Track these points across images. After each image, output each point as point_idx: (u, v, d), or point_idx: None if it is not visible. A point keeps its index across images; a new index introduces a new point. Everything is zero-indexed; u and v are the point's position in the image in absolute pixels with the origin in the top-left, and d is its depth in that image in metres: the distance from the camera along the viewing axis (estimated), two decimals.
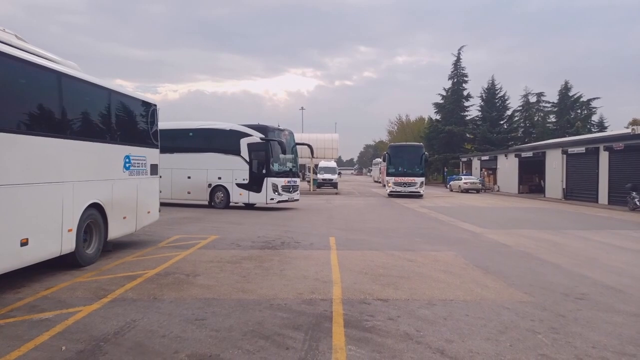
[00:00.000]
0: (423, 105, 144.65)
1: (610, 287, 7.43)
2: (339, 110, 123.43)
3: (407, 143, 33.33)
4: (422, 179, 31.95)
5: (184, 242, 10.92)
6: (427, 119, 71.42)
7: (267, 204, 19.75)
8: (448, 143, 61.54)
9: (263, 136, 19.45)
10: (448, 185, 46.53)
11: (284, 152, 19.99)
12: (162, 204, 20.01)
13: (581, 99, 60.05)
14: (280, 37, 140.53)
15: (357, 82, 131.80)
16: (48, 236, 7.09)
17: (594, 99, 59.69)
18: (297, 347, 4.61)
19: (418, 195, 31.53)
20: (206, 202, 20.39)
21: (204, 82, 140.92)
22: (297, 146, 22.67)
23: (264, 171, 19.39)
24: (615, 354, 4.61)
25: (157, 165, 10.94)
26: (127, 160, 9.53)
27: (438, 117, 65.47)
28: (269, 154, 19.39)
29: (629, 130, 28.14)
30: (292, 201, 21.21)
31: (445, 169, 62.41)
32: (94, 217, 8.43)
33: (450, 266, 8.81)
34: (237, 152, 19.69)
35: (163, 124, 21.26)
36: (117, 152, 9.27)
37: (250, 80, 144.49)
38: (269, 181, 19.37)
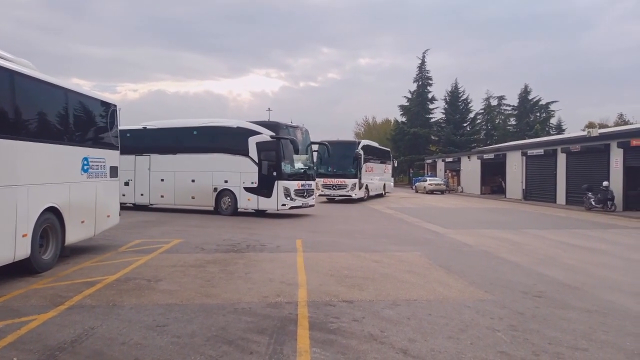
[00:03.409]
0: (388, 107, 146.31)
1: (566, 285, 7.70)
2: (305, 111, 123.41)
3: (340, 140, 28.47)
4: (355, 180, 27.70)
5: (145, 246, 10.67)
6: (393, 121, 72.39)
7: (278, 210, 17.79)
8: (414, 145, 62.55)
9: (273, 134, 17.48)
10: (413, 187, 47.27)
11: (297, 152, 18.11)
12: (166, 210, 19.68)
13: (540, 102, 62.27)
14: (244, 37, 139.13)
15: (322, 83, 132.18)
16: (0, 242, 6.78)
17: (552, 102, 62.18)
18: (261, 351, 4.56)
19: (353, 200, 27.99)
20: (212, 208, 18.67)
21: (166, 81, 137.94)
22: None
23: (274, 173, 17.33)
24: (569, 349, 4.78)
25: (117, 167, 10.64)
26: (85, 162, 9.23)
27: (404, 119, 66.46)
28: (280, 154, 17.38)
29: (585, 133, 29.32)
30: (307, 207, 19.26)
31: (411, 171, 63.39)
32: (51, 222, 8.12)
33: (415, 266, 8.94)
34: (245, 153, 17.72)
35: (165, 122, 20.66)
36: (74, 154, 8.96)
37: (214, 80, 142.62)
38: (280, 185, 17.34)
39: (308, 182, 19.10)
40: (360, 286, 7.25)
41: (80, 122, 9.42)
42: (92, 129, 9.90)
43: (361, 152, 28.30)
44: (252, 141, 17.65)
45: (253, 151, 17.64)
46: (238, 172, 17.90)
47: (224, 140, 18.39)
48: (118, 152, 10.82)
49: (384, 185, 35.44)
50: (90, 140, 9.66)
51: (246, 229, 14.18)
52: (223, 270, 8.21)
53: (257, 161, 17.60)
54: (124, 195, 19.83)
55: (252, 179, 17.66)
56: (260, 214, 18.50)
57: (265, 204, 17.72)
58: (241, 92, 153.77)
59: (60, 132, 8.68)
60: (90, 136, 9.73)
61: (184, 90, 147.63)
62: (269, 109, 74.36)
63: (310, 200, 19.26)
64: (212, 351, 4.53)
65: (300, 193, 18.40)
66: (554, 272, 8.73)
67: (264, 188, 17.52)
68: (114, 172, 10.49)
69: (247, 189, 17.80)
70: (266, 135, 17.54)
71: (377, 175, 32.99)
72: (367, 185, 29.80)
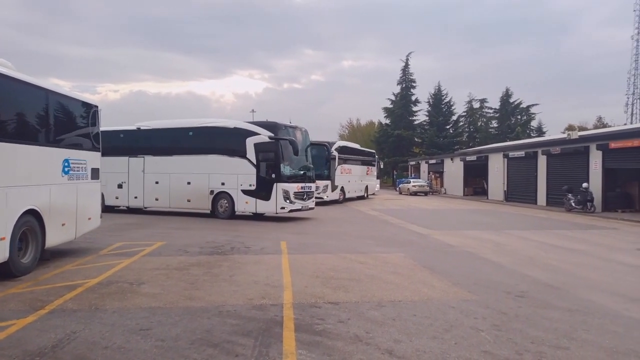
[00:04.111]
0: (372, 109, 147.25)
1: (547, 285, 7.83)
2: (289, 112, 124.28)
3: (312, 141, 27.52)
4: (327, 182, 26.51)
5: (127, 249, 10.52)
6: (377, 123, 72.74)
7: (277, 213, 17.22)
8: (397, 147, 62.95)
9: (272, 135, 16.87)
10: (397, 188, 47.53)
11: (296, 153, 17.33)
12: (160, 213, 19.28)
13: (521, 105, 63.18)
14: (226, 39, 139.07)
15: (306, 84, 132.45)
16: None
17: (533, 105, 63.09)
18: (247, 353, 4.54)
19: (336, 202, 27.67)
20: (208, 211, 18.04)
21: (147, 82, 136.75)
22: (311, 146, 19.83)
23: (273, 175, 16.77)
24: (552, 348, 4.85)
25: (98, 169, 10.48)
26: (66, 164, 9.08)
27: (388, 121, 66.80)
28: (279, 155, 16.77)
29: (564, 136, 29.85)
30: (307, 210, 18.65)
31: (395, 172, 63.75)
32: (30, 224, 7.96)
33: (399, 267, 8.99)
34: (242, 154, 17.17)
35: (160, 122, 20.18)
36: (55, 155, 8.80)
37: (196, 81, 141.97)
38: (279, 187, 16.73)
39: (308, 184, 18.53)
40: (345, 288, 7.26)
41: (61, 123, 9.26)
42: (73, 130, 9.73)
43: (335, 153, 27.68)
44: (250, 142, 17.13)
45: (251, 152, 17.12)
46: (235, 174, 17.37)
47: (221, 141, 17.88)
48: (99, 153, 10.67)
49: (366, 187, 34.82)
50: (71, 142, 9.50)
51: (230, 231, 14.09)
52: (207, 273, 8.14)
53: (255, 163, 17.08)
54: (117, 198, 19.55)
55: (250, 181, 17.14)
56: (258, 217, 18.10)
57: (263, 207, 17.16)
58: (224, 93, 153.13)
59: (41, 133, 8.53)
60: (71, 137, 9.56)
61: (166, 91, 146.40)
62: (252, 111, 73.89)
63: (310, 203, 18.69)
64: (197, 354, 4.49)
65: (300, 196, 17.82)
66: (535, 272, 8.87)
67: (262, 190, 16.99)
68: (95, 174, 10.33)
69: (245, 192, 17.27)
70: (264, 136, 16.99)
71: (356, 177, 32.30)
72: (342, 187, 29.29)
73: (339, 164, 28.36)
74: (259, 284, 7.42)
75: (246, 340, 4.88)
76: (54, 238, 8.68)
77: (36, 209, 8.05)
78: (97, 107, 10.60)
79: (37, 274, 7.91)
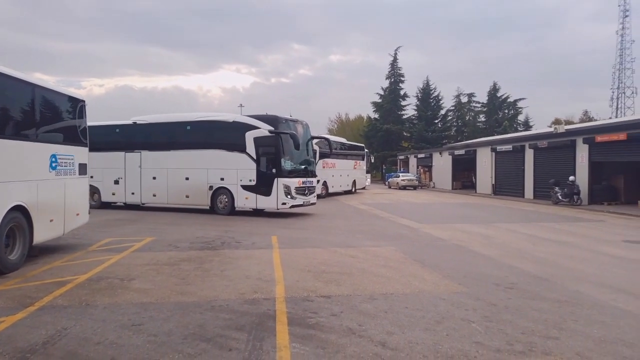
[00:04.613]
0: (361, 104, 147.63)
1: (536, 277, 7.92)
2: (277, 107, 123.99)
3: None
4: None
5: (117, 245, 10.44)
6: (366, 118, 72.82)
7: (278, 209, 16.79)
8: (386, 141, 63.14)
9: (272, 128, 16.44)
10: (386, 183, 47.69)
11: (297, 147, 16.77)
12: (157, 209, 19.05)
13: (508, 100, 63.69)
14: (213, 33, 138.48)
15: (294, 79, 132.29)
16: None
17: (520, 99, 63.65)
18: (241, 347, 4.54)
19: (322, 197, 26.95)
20: (207, 207, 17.74)
21: (132, 76, 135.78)
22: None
23: (273, 170, 16.39)
24: (542, 338, 4.92)
25: (86, 164, 10.37)
26: (53, 159, 8.96)
27: (376, 115, 66.95)
28: (279, 149, 16.35)
29: (551, 130, 30.15)
30: (308, 205, 18.39)
31: (384, 167, 63.94)
32: (18, 221, 7.86)
33: (390, 261, 9.04)
34: (242, 149, 16.78)
35: (157, 116, 19.70)
36: (42, 151, 8.69)
37: (182, 75, 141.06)
38: (280, 182, 16.34)
39: (309, 179, 18.09)
40: (337, 281, 7.28)
41: (48, 118, 9.15)
42: (60, 125, 9.61)
43: (316, 147, 26.48)
44: (250, 136, 16.74)
45: (251, 147, 16.74)
46: (235, 169, 17.00)
47: (220, 135, 17.52)
48: (87, 148, 10.56)
49: (354, 181, 34.38)
50: (59, 137, 9.39)
51: (220, 226, 14.04)
52: (198, 268, 8.11)
53: (255, 157, 16.70)
54: (113, 194, 19.29)
55: (250, 177, 16.75)
56: (254, 213, 17.82)
57: (264, 202, 16.81)
58: (211, 88, 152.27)
59: (27, 128, 8.40)
60: (58, 132, 9.44)
61: (152, 86, 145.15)
62: (240, 105, 73.37)
63: (312, 199, 18.30)
64: (190, 349, 4.48)
65: (301, 191, 17.34)
66: (524, 264, 8.97)
67: (262, 186, 16.62)
68: (83, 169, 10.23)
69: (245, 187, 16.89)
70: (264, 129, 16.55)
71: (341, 171, 31.72)
72: (325, 182, 28.87)
73: (320, 158, 27.77)
74: (250, 278, 7.41)
75: (239, 335, 4.88)
76: (41, 234, 8.58)
77: (23, 205, 7.94)
78: (83, 101, 10.47)
79: (25, 270, 7.83)
